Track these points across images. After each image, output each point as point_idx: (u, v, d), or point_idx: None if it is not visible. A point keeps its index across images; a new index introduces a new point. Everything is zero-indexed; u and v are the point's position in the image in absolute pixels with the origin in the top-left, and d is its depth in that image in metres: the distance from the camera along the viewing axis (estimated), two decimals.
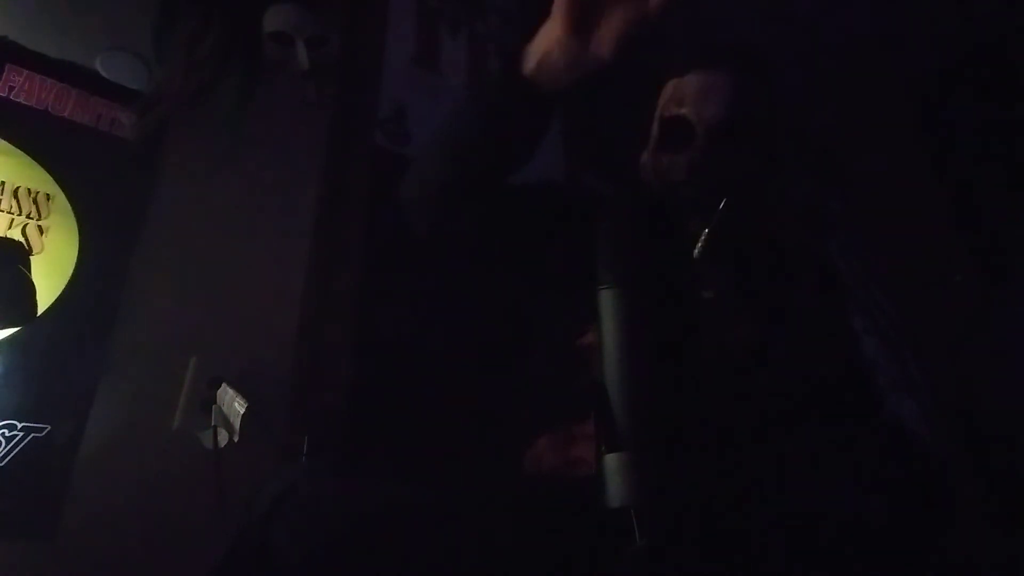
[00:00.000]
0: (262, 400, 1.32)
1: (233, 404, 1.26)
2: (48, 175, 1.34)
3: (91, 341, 1.30)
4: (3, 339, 1.19)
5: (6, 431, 1.18)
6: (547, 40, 0.64)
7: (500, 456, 0.82)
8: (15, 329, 1.19)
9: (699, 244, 0.75)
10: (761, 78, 0.84)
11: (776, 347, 0.75)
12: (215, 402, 1.31)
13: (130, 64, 1.47)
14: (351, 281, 1.61)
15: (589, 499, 0.45)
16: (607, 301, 0.48)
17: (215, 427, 1.28)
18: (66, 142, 1.38)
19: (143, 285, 1.39)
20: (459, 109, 0.81)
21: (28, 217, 1.30)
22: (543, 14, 0.63)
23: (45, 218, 1.32)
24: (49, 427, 1.22)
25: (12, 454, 1.17)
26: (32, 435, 1.20)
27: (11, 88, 1.35)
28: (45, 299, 1.26)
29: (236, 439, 1.26)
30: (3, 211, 1.28)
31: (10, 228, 1.28)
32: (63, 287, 1.30)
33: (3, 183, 1.29)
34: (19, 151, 1.32)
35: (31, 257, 1.21)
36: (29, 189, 1.32)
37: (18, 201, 1.30)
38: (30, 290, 1.13)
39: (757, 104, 0.82)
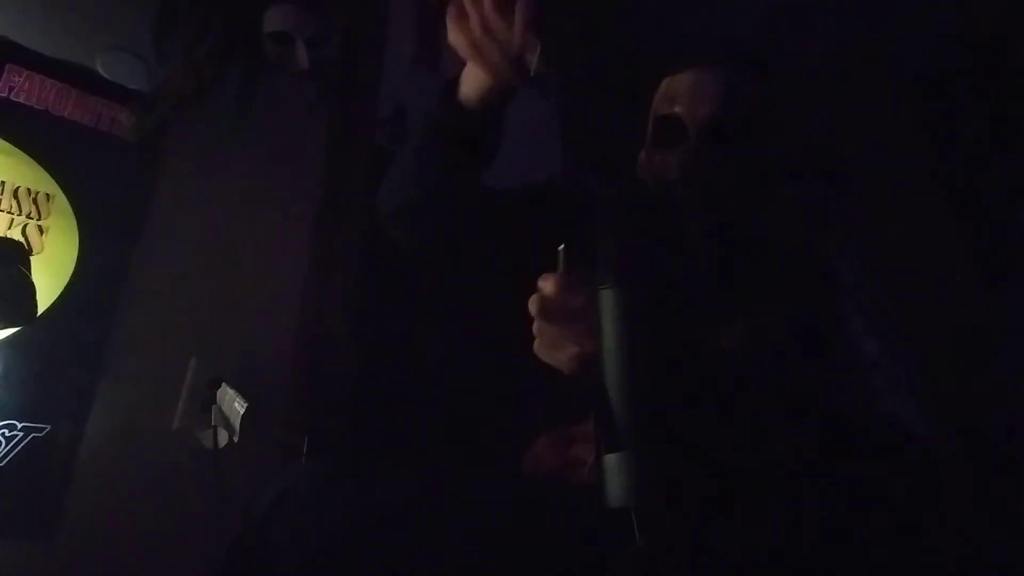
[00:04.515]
0: (262, 400, 1.33)
1: (233, 404, 1.26)
2: (48, 175, 1.34)
3: (91, 341, 1.30)
4: (3, 339, 1.19)
5: (6, 431, 1.18)
6: (473, 71, 0.67)
7: (500, 456, 0.82)
8: (15, 329, 1.19)
9: None
10: (757, 77, 0.83)
11: (775, 347, 0.75)
12: (215, 402, 1.31)
13: (130, 64, 1.47)
14: (351, 281, 1.61)
15: (588, 499, 0.45)
16: (607, 301, 0.48)
17: (215, 427, 1.28)
18: (66, 142, 1.38)
19: (143, 285, 1.39)
20: (415, 130, 0.83)
21: (28, 217, 1.30)
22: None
23: (45, 218, 1.32)
24: (49, 427, 1.22)
25: (12, 454, 1.17)
26: (32, 435, 1.20)
27: (11, 88, 1.35)
28: (45, 299, 1.26)
29: (236, 439, 1.26)
30: (3, 211, 1.28)
31: (10, 228, 1.28)
32: (63, 287, 1.30)
33: (3, 183, 1.29)
34: (19, 151, 1.32)
35: (31, 257, 1.21)
36: (29, 189, 1.32)
37: (18, 201, 1.30)
38: (30, 290, 1.13)
39: (751, 103, 0.81)
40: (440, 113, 0.73)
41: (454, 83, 0.72)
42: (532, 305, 0.56)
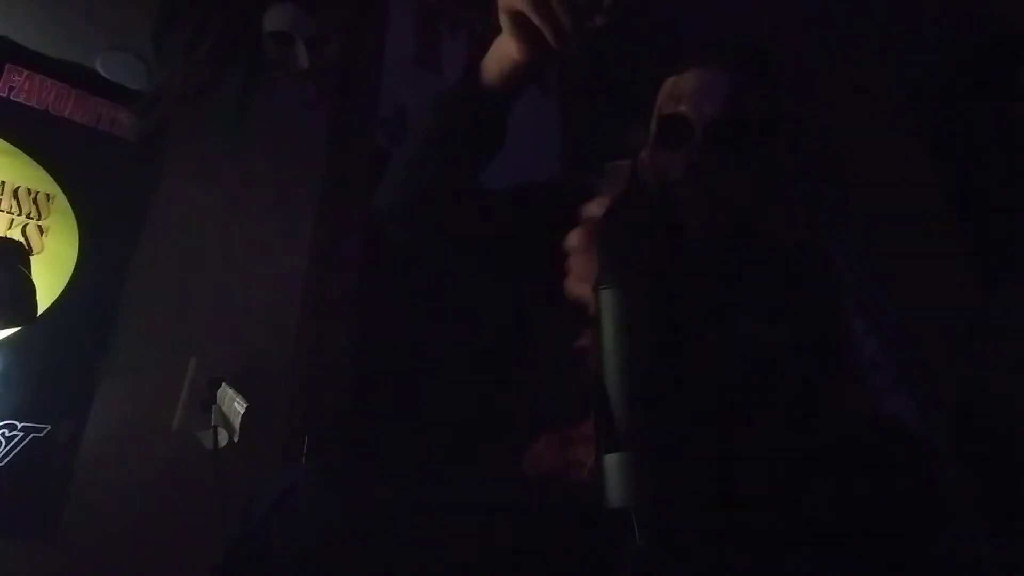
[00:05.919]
0: (262, 400, 1.33)
1: (233, 404, 1.26)
2: (48, 175, 1.34)
3: (91, 341, 1.30)
4: (3, 339, 1.19)
5: (6, 431, 1.18)
6: (504, 51, 0.67)
7: (499, 458, 0.82)
8: (15, 329, 1.19)
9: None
10: (763, 76, 0.83)
11: (776, 347, 0.75)
12: (215, 402, 1.31)
13: (130, 64, 1.47)
14: (351, 281, 1.61)
15: (588, 500, 0.45)
16: (606, 301, 0.48)
17: (215, 427, 1.28)
18: (66, 142, 1.38)
19: (143, 285, 1.39)
20: (422, 117, 0.83)
21: (28, 217, 1.30)
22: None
23: (45, 218, 1.32)
24: (49, 427, 1.22)
25: (12, 454, 1.17)
26: (32, 435, 1.20)
27: (11, 88, 1.35)
28: (45, 299, 1.26)
29: (236, 439, 1.26)
30: (3, 211, 1.28)
31: (10, 228, 1.28)
32: (63, 287, 1.30)
33: (3, 183, 1.29)
34: (19, 151, 1.32)
35: (31, 257, 1.21)
36: (29, 189, 1.32)
37: (18, 201, 1.30)
38: (30, 290, 1.13)
39: (757, 103, 0.81)
40: (460, 93, 0.73)
41: (475, 67, 0.72)
42: (574, 237, 0.55)
